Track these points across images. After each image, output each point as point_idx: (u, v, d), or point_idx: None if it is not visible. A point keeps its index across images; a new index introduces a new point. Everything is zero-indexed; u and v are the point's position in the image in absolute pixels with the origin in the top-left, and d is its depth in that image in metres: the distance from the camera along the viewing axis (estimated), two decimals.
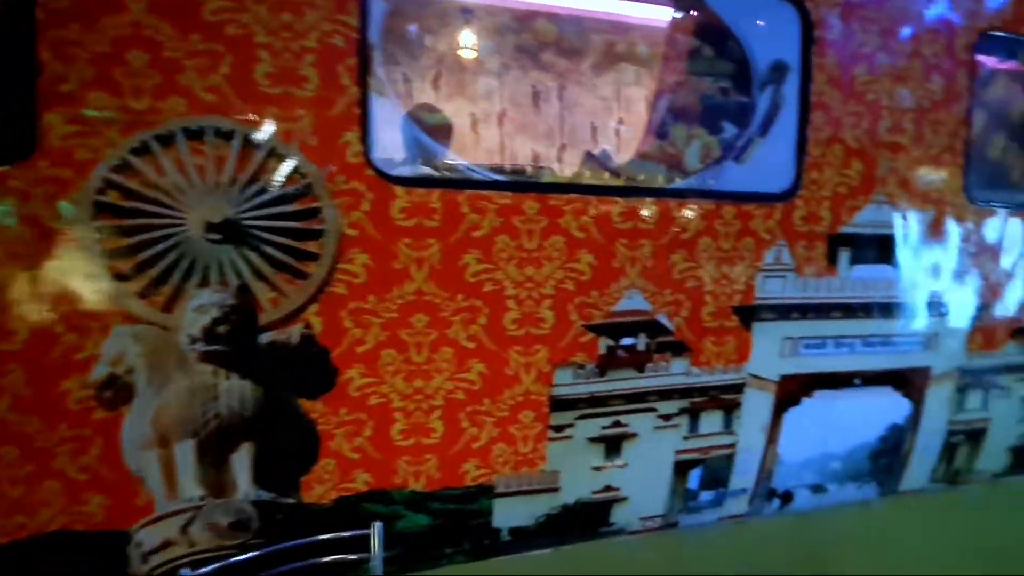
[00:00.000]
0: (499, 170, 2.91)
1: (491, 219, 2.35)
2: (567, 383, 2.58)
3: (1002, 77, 3.87)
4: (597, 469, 2.71)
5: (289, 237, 2.17)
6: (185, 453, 2.12)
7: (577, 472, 2.68)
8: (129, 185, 2.00)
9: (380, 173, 2.24)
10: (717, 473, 3.00)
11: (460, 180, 2.59)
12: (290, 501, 2.25)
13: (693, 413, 2.85)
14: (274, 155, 2.13)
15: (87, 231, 1.96)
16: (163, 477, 2.10)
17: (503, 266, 2.39)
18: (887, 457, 3.38)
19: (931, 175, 3.11)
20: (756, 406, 2.97)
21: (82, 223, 1.95)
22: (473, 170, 2.78)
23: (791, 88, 2.81)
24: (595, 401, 2.64)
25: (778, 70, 2.81)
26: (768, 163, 2.86)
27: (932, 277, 3.20)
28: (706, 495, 3.02)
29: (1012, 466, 3.77)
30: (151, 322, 2.05)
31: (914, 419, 3.35)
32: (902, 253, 3.11)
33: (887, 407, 3.29)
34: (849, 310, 3.06)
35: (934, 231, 3.17)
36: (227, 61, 2.05)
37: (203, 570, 2.09)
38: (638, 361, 2.69)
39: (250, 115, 2.09)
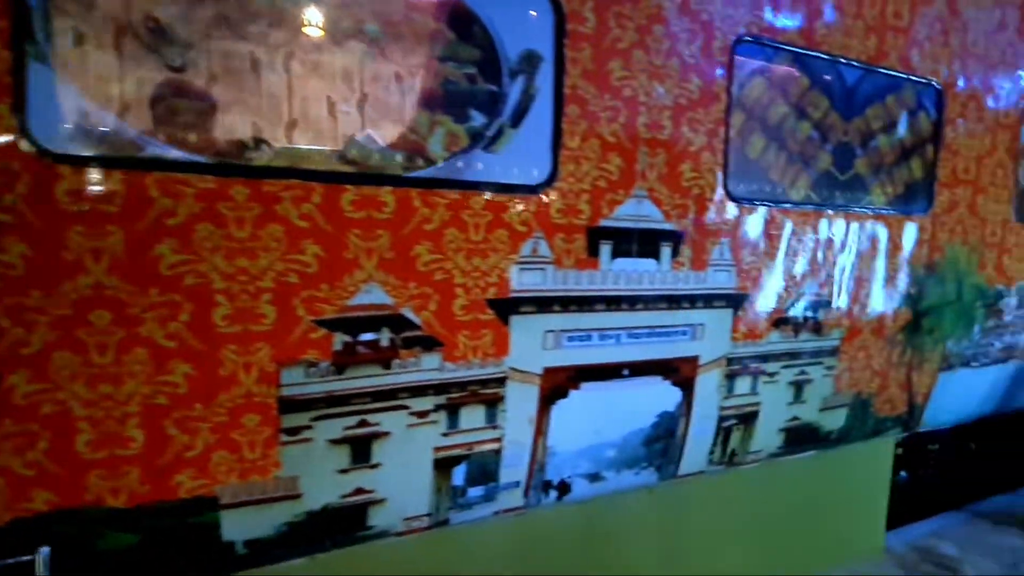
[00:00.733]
0: (201, 149, 2.66)
1: (189, 205, 2.14)
2: (298, 382, 2.41)
3: (761, 80, 4.11)
4: (343, 472, 2.58)
5: None
6: None
7: (320, 476, 2.53)
8: None
9: (41, 150, 1.98)
10: (485, 468, 2.96)
11: (145, 160, 2.35)
12: None
13: (451, 409, 2.78)
14: None
15: None
16: None
17: (207, 257, 2.19)
18: (662, 443, 3.49)
19: (691, 172, 3.21)
20: (520, 399, 2.94)
21: None
22: (165, 148, 2.53)
23: (545, 80, 2.79)
24: (334, 401, 2.50)
25: (529, 60, 2.77)
26: (522, 154, 2.82)
27: (695, 270, 3.31)
28: (475, 491, 2.98)
29: (784, 446, 4.03)
30: None
31: (686, 406, 3.48)
32: (664, 247, 3.20)
33: (657, 395, 3.38)
34: (613, 302, 3.10)
35: (696, 226, 3.28)
36: None
37: None
38: (382, 357, 2.57)
39: None
